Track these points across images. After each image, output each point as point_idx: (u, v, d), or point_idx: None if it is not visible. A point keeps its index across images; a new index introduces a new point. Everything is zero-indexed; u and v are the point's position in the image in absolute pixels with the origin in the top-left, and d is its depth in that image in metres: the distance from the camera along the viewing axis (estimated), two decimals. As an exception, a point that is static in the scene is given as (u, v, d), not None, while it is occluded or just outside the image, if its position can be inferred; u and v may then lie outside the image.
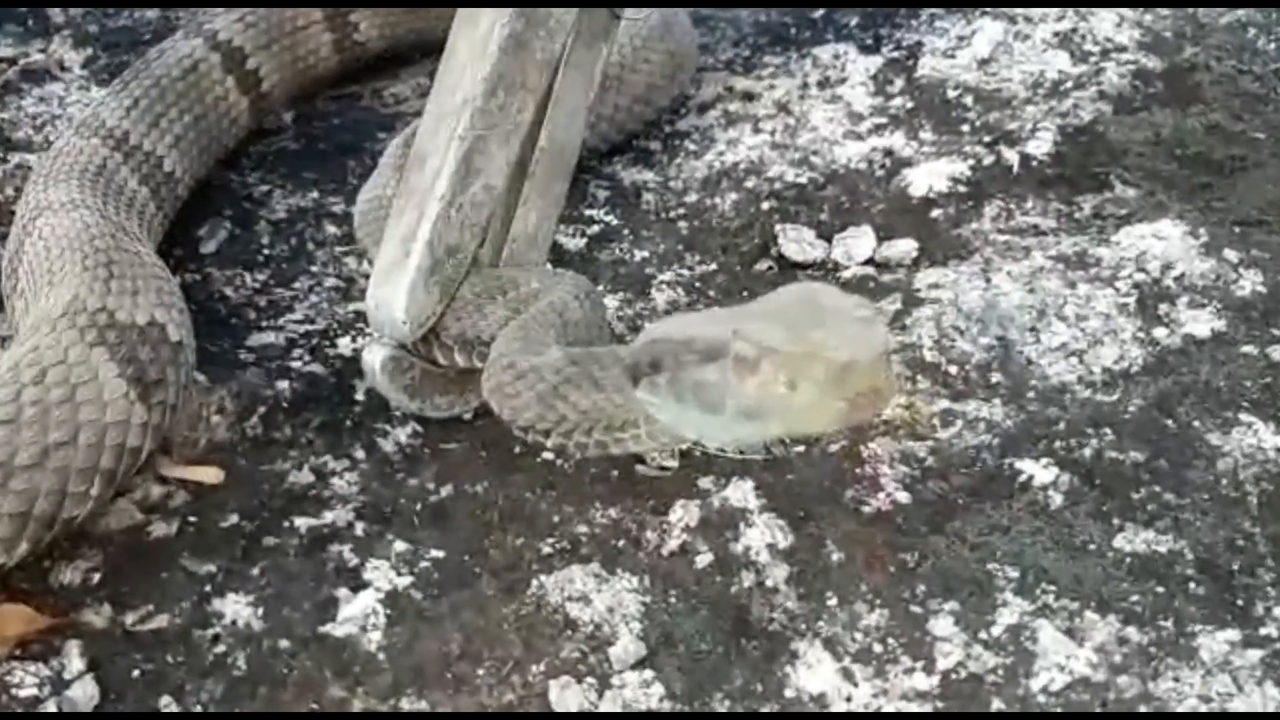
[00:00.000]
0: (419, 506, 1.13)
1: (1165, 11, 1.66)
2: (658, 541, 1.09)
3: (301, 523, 1.12)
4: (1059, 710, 0.96)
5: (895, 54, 1.64)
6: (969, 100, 1.56)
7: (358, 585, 1.07)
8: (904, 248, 1.37)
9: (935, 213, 1.41)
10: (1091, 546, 1.06)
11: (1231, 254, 1.32)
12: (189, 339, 1.17)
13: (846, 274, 1.35)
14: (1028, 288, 1.30)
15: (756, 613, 1.03)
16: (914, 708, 0.97)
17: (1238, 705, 0.96)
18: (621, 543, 1.09)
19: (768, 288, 1.15)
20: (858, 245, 1.38)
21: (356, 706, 0.99)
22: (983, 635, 1.01)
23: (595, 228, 1.44)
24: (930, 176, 1.45)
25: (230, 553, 1.10)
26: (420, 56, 1.63)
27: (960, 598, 1.03)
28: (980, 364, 1.23)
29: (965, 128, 1.52)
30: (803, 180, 1.47)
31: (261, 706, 0.99)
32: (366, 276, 1.21)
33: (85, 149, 1.35)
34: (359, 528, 1.12)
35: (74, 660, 1.01)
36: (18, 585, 1.06)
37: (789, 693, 0.99)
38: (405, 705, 0.99)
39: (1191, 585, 1.04)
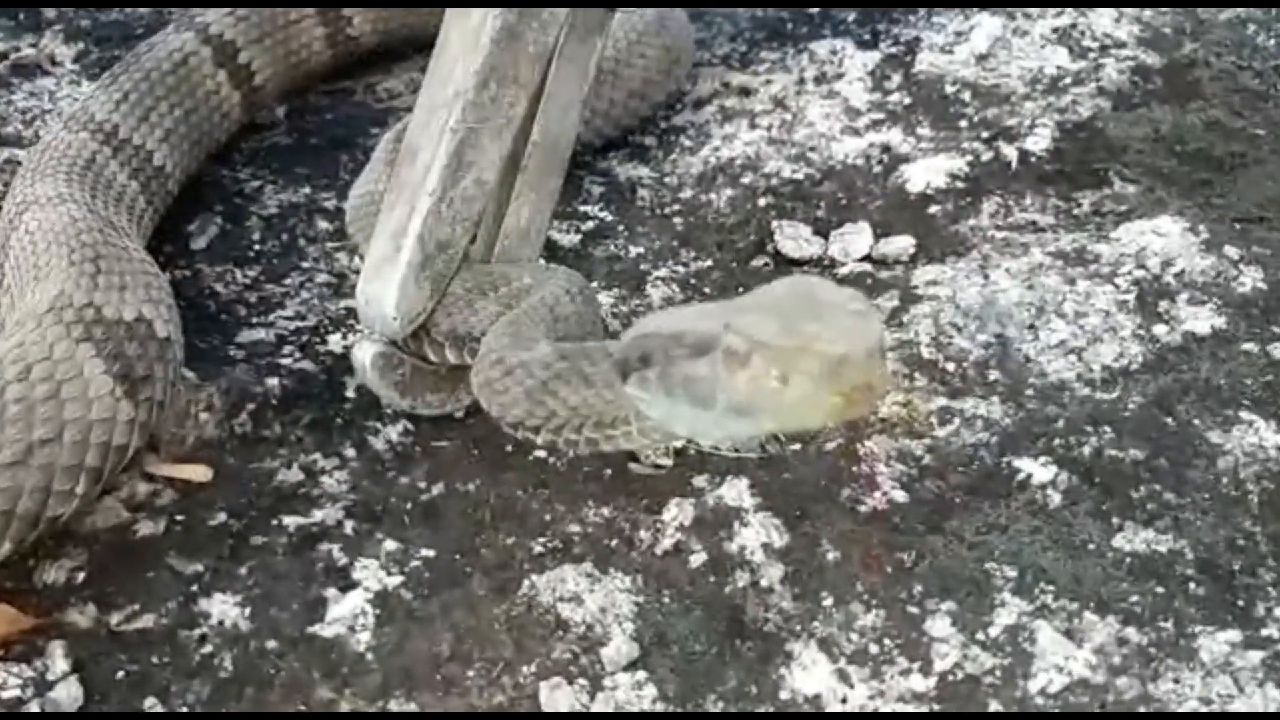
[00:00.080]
0: (409, 505, 1.12)
1: (1165, 8, 1.65)
2: (651, 541, 1.08)
3: (290, 521, 1.11)
4: (1057, 712, 0.95)
5: (893, 50, 1.63)
6: (967, 96, 1.55)
7: (347, 585, 1.06)
8: (901, 244, 1.36)
9: (933, 209, 1.41)
10: (1091, 546, 1.06)
11: (1232, 250, 1.31)
12: (177, 335, 1.16)
13: (843, 271, 1.35)
14: (1026, 284, 1.29)
15: (751, 613, 1.02)
16: (910, 709, 0.96)
17: (1238, 707, 0.95)
18: (614, 542, 1.08)
19: (763, 284, 1.14)
20: (855, 242, 1.37)
21: (344, 708, 0.98)
22: (980, 636, 1.00)
23: (590, 223, 1.43)
24: (928, 173, 1.44)
25: (218, 552, 1.09)
26: (413, 52, 1.63)
27: (958, 598, 1.02)
28: (978, 361, 1.22)
29: (963, 124, 1.51)
30: (799, 176, 1.46)
31: (248, 708, 0.98)
32: (358, 273, 1.20)
33: (74, 143, 1.33)
34: (348, 526, 1.11)
35: (58, 661, 1.00)
36: (1, 585, 1.05)
37: (784, 694, 0.98)
38: (394, 706, 0.98)
39: (1192, 585, 1.03)
